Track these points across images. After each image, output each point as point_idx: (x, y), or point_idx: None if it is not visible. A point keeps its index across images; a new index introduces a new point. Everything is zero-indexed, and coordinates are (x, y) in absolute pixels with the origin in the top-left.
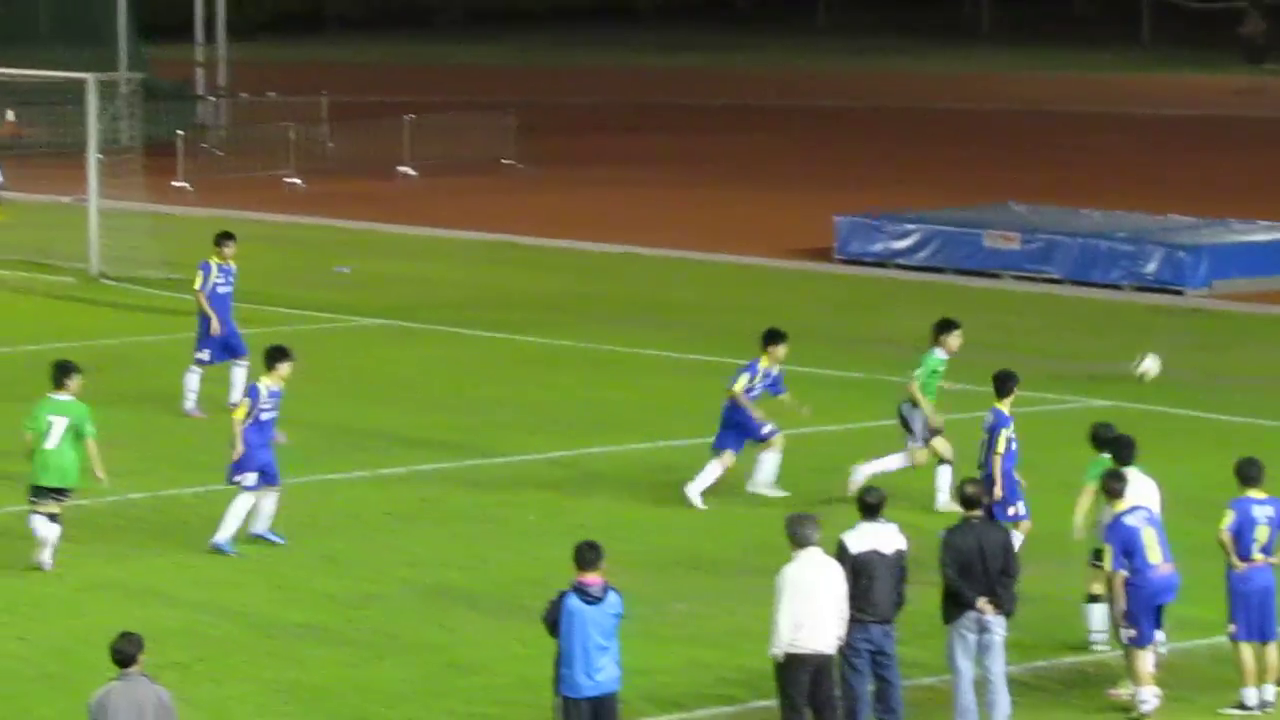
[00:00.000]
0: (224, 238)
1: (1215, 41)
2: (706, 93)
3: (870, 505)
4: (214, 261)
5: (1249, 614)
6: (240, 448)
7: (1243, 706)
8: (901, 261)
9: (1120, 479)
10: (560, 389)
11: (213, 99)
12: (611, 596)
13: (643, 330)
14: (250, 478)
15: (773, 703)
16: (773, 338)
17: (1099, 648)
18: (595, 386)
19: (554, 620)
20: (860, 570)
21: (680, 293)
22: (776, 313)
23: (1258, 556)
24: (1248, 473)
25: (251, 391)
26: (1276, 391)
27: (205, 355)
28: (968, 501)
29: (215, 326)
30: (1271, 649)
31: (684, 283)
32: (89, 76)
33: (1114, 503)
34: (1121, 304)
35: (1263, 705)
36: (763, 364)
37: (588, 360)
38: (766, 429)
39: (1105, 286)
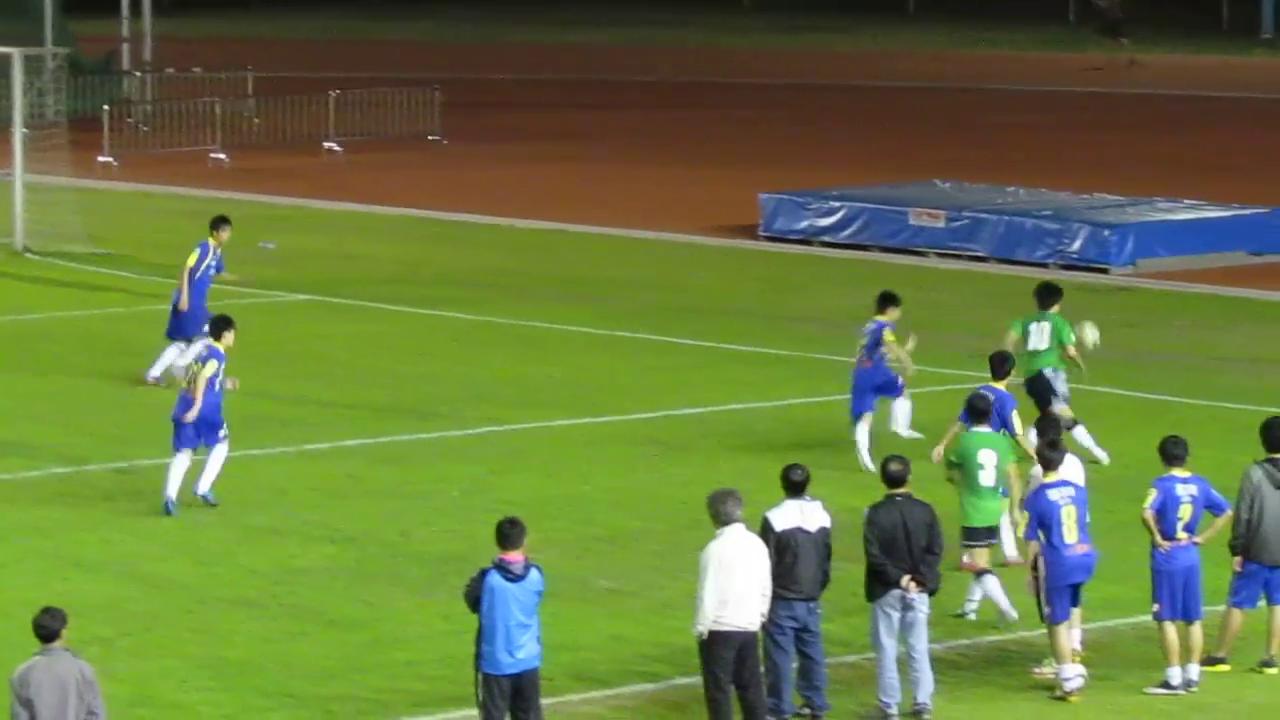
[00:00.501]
0: (222, 221)
1: (1143, 20)
2: (634, 69)
3: (795, 482)
4: (212, 243)
5: (1173, 593)
6: (198, 409)
7: (1167, 685)
8: (827, 239)
9: (1057, 448)
10: (487, 365)
11: (138, 74)
12: (533, 574)
13: (570, 307)
14: (223, 430)
15: (697, 679)
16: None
17: (970, 616)
18: (522, 363)
19: (476, 597)
20: (785, 547)
21: (607, 270)
22: (703, 290)
23: (1181, 535)
24: (1171, 451)
25: (216, 354)
26: (1200, 370)
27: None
28: (892, 479)
29: (183, 303)
30: (1196, 628)
31: (611, 260)
32: (14, 51)
33: (1045, 473)
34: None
35: (1187, 684)
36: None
37: (515, 337)
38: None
39: (1030, 264)
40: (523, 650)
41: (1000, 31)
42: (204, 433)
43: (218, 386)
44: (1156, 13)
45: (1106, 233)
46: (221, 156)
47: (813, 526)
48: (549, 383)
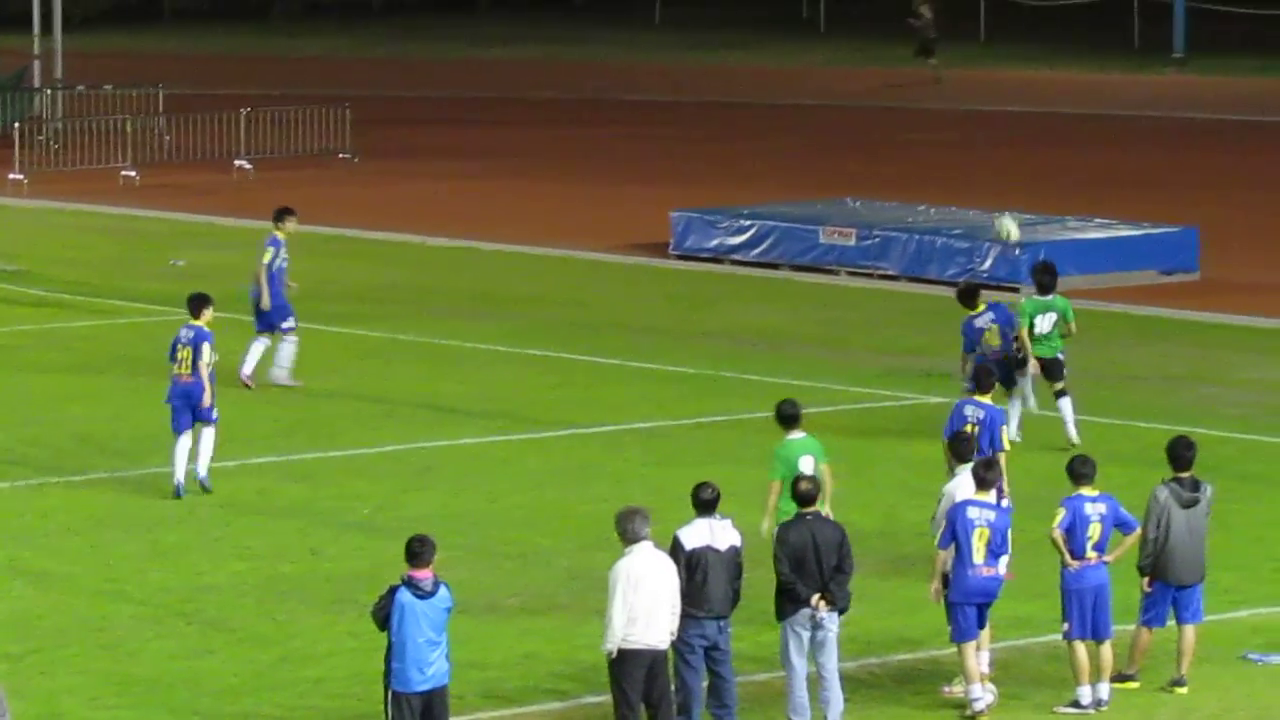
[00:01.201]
0: (286, 212)
1: (1052, 38)
2: (545, 86)
3: (705, 501)
4: (281, 236)
5: (1083, 612)
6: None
7: (1077, 705)
8: (738, 257)
9: (992, 469)
10: (397, 382)
11: (49, 91)
12: (442, 590)
13: (480, 324)
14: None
15: (606, 697)
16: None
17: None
18: (432, 380)
19: (385, 614)
20: (695, 566)
21: (517, 286)
22: (612, 307)
23: (1091, 554)
24: (1079, 470)
25: (205, 335)
26: (1109, 388)
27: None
28: (802, 498)
29: (265, 301)
30: (1106, 647)
31: (521, 277)
32: None
33: (978, 492)
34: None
35: (1097, 703)
36: None
37: (425, 353)
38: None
39: (941, 283)
40: (432, 668)
41: (909, 48)
42: (200, 414)
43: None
44: (1066, 31)
45: (1017, 251)
46: (132, 173)
47: (723, 545)
48: (458, 399)
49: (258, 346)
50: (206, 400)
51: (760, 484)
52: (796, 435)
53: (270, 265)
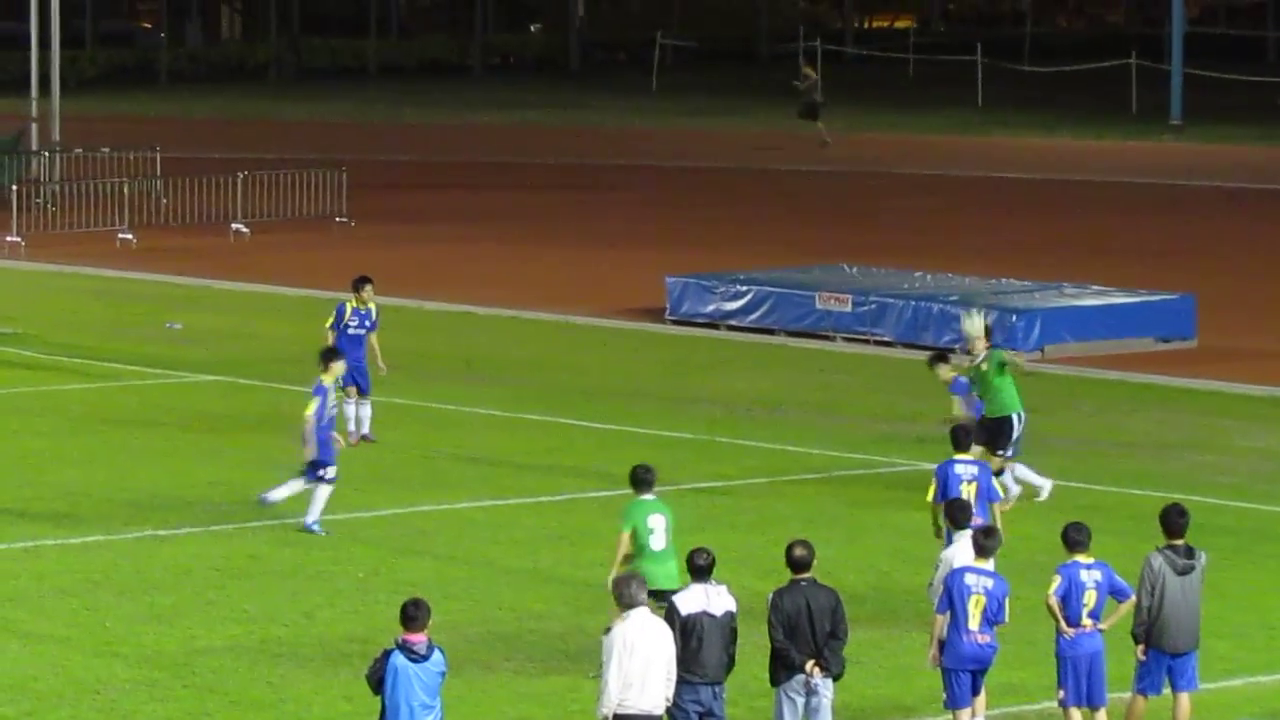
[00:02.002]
0: (361, 281)
1: (1050, 105)
2: (541, 151)
3: (700, 566)
4: (351, 304)
5: (1077, 679)
6: (313, 446)
7: None
8: (734, 322)
9: (992, 537)
10: (393, 446)
11: (46, 153)
12: (436, 654)
13: (476, 388)
14: (331, 471)
15: None
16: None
17: None
18: (428, 444)
19: (379, 678)
20: (690, 631)
21: (513, 351)
22: (608, 372)
23: (1086, 622)
24: (1075, 538)
25: (319, 390)
26: (1105, 456)
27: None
28: (796, 564)
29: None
30: (1101, 714)
31: (516, 341)
32: None
33: (978, 559)
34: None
35: None
36: None
37: (420, 417)
38: None
39: (937, 349)
40: None
41: (906, 115)
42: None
43: (324, 420)
44: (1064, 97)
45: (1013, 318)
46: (129, 236)
47: (718, 610)
48: (454, 463)
49: (348, 408)
50: (306, 454)
51: (756, 549)
52: (647, 496)
53: (334, 328)
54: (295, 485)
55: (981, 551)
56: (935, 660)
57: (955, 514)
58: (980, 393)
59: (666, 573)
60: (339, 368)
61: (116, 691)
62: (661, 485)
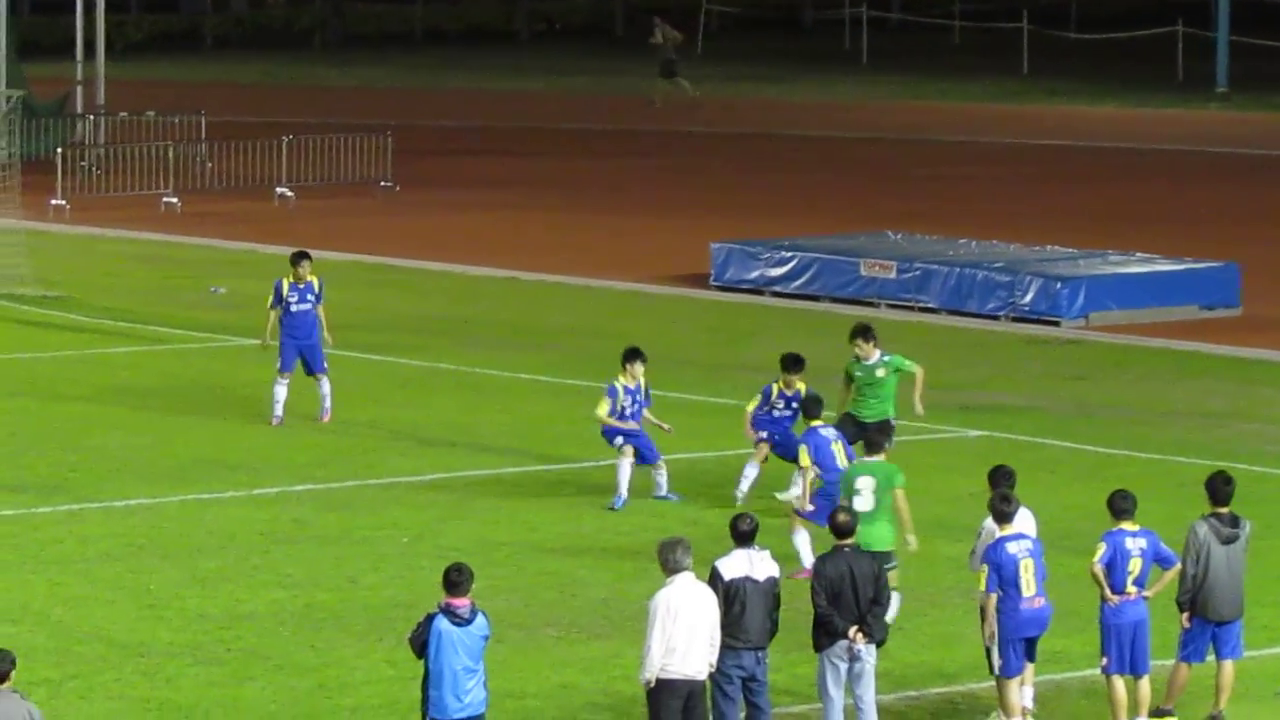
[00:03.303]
0: (298, 256)
1: (1095, 73)
2: (589, 117)
3: (744, 532)
4: (286, 281)
5: (1121, 647)
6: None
7: None
8: (777, 289)
9: (1009, 502)
10: (436, 412)
11: (91, 117)
12: (480, 619)
13: (519, 354)
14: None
15: None
16: (630, 356)
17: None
18: (471, 410)
19: (422, 642)
20: (733, 597)
21: (557, 317)
22: (651, 338)
23: (1130, 589)
24: (1120, 505)
25: (610, 392)
26: (1149, 423)
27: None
28: (840, 530)
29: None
30: (1144, 682)
31: (561, 307)
32: None
33: (1001, 527)
34: (997, 334)
35: None
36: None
37: (464, 384)
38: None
39: (981, 316)
40: (469, 695)
41: (951, 83)
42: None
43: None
44: (1109, 66)
45: (1058, 285)
46: (173, 200)
47: (761, 576)
48: (497, 429)
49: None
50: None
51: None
52: (871, 459)
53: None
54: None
55: (1002, 518)
56: (992, 638)
57: (996, 480)
58: (865, 394)
59: (874, 535)
60: (638, 368)
61: (160, 655)
62: (703, 451)
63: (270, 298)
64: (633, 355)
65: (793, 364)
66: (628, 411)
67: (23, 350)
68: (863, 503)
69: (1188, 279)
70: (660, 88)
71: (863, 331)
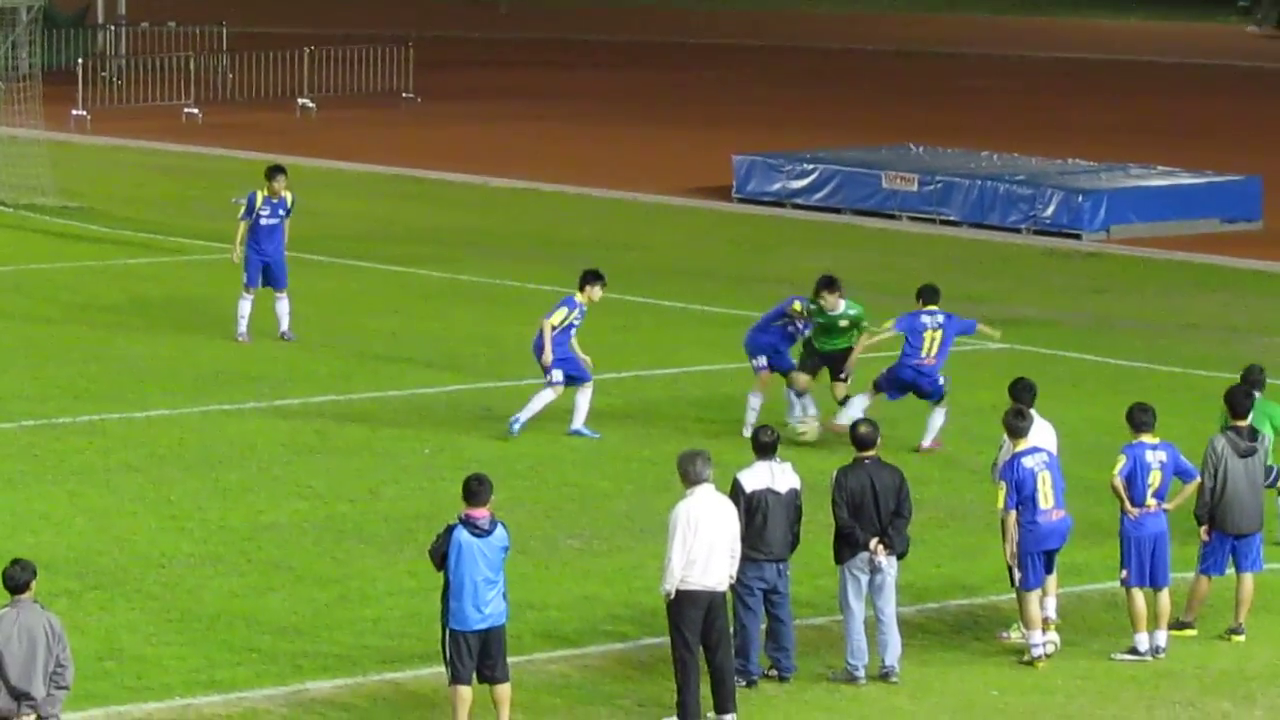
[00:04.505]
0: (274, 170)
1: None
2: (609, 29)
3: (765, 444)
4: (261, 194)
5: (1141, 560)
6: (549, 355)
7: (1135, 652)
8: (799, 201)
9: (1023, 417)
10: (458, 324)
11: (112, 28)
12: (499, 530)
13: (542, 266)
14: (556, 374)
15: (664, 640)
16: (591, 278)
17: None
18: (493, 322)
19: (442, 553)
20: (754, 508)
21: (579, 229)
22: (674, 251)
23: (1150, 502)
24: (1140, 418)
25: (567, 302)
26: (1170, 336)
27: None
28: (861, 442)
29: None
30: (1164, 595)
31: (583, 219)
32: None
33: (1015, 442)
34: (1018, 247)
35: (1155, 651)
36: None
37: (486, 295)
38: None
39: (1003, 229)
40: (490, 606)
41: None
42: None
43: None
44: None
45: (1079, 198)
46: (194, 111)
47: (783, 488)
48: (519, 341)
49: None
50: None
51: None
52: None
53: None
54: (542, 398)
55: (1016, 433)
56: (1014, 556)
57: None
58: (828, 333)
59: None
60: (596, 292)
61: (182, 566)
62: (725, 364)
63: (242, 208)
64: (593, 278)
65: (826, 285)
66: (573, 331)
67: (44, 260)
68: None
69: (1209, 192)
70: None
71: (829, 284)
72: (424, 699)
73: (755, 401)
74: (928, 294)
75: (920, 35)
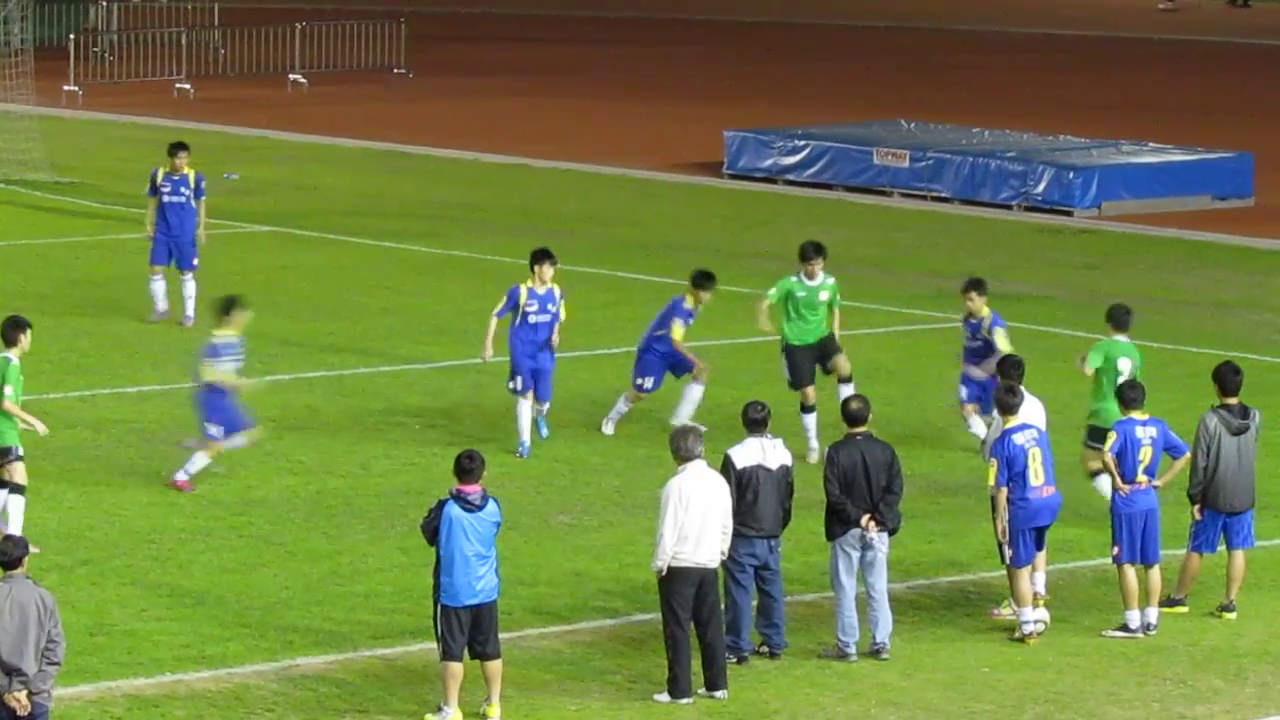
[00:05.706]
0: (176, 147)
1: None
2: (600, 4)
3: (756, 420)
4: (161, 171)
5: (1132, 536)
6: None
7: (1126, 628)
8: (791, 177)
9: (1014, 394)
10: (448, 299)
11: (104, 3)
12: (491, 505)
13: (532, 241)
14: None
15: (656, 615)
16: (539, 257)
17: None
18: (484, 297)
19: (433, 528)
20: (746, 485)
21: (570, 204)
22: (665, 226)
23: (1141, 478)
24: (1130, 395)
25: (510, 292)
26: (1161, 313)
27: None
28: (853, 418)
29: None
30: (1154, 571)
31: (574, 194)
32: None
33: (1005, 419)
34: (1009, 223)
35: (1146, 627)
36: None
37: (476, 270)
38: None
39: (994, 206)
40: (481, 582)
41: None
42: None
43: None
44: None
45: (1071, 175)
46: (186, 86)
47: (774, 464)
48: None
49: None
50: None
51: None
52: (1121, 338)
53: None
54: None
55: (1008, 409)
56: (1005, 533)
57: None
58: (804, 315)
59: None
60: (547, 272)
61: (172, 540)
62: (718, 338)
63: (147, 185)
64: (541, 256)
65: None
66: (531, 318)
67: (36, 236)
68: None
69: (1201, 169)
70: None
71: (817, 248)
72: (415, 674)
73: (624, 406)
74: (976, 285)
75: (913, 11)
